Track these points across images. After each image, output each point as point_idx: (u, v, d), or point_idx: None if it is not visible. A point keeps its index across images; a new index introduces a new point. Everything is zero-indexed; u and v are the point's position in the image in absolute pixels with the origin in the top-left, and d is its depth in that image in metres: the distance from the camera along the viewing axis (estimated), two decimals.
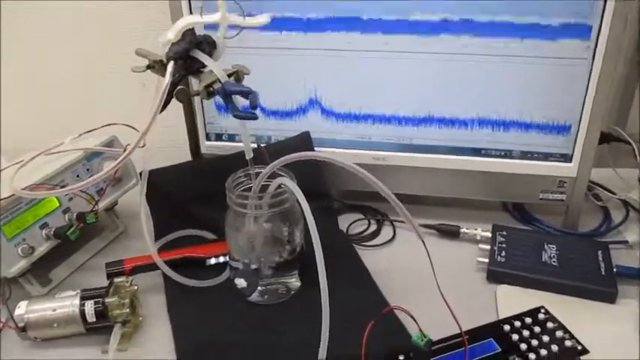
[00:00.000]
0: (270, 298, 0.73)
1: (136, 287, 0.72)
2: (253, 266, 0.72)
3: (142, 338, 0.69)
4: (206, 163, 0.89)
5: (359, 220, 0.93)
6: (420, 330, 0.56)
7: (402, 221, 0.90)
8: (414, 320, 0.56)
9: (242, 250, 0.73)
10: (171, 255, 0.78)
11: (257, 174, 0.69)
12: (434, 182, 0.90)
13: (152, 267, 0.75)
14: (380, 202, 0.94)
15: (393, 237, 0.88)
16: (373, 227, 0.91)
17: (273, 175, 0.69)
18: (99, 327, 0.68)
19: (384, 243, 0.87)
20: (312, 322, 0.61)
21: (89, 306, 0.67)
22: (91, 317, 0.67)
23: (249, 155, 0.69)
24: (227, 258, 0.78)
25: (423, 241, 0.60)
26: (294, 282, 0.74)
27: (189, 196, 0.84)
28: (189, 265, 0.78)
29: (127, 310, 0.68)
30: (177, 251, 0.79)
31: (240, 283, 0.74)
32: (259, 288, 0.73)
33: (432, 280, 0.60)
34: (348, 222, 0.92)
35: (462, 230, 0.86)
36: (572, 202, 0.86)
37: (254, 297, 0.73)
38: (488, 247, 0.81)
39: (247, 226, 0.70)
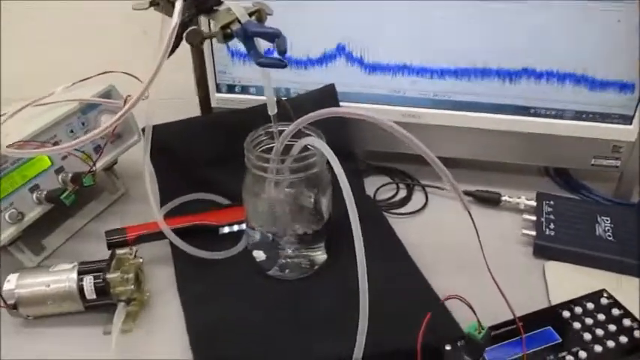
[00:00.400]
0: (291, 272, 0.65)
1: (141, 260, 0.63)
2: (273, 237, 0.64)
3: (148, 317, 0.62)
4: (219, 119, 0.79)
5: (387, 184, 0.84)
6: (478, 320, 0.48)
7: (435, 187, 0.82)
8: (472, 310, 0.48)
9: (261, 218, 0.64)
10: (180, 222, 0.69)
11: (280, 132, 0.60)
12: (472, 144, 0.80)
13: (158, 236, 0.67)
14: (408, 163, 0.85)
15: (425, 204, 0.80)
16: (402, 193, 0.82)
17: (297, 134, 0.59)
18: (100, 305, 0.60)
19: (416, 211, 0.78)
20: (338, 301, 0.53)
21: (88, 281, 0.59)
22: (90, 294, 0.59)
23: (272, 110, 0.59)
24: (243, 226, 0.70)
25: (469, 212, 0.51)
26: (320, 255, 0.66)
27: (199, 155, 0.75)
28: (201, 234, 0.70)
29: (132, 286, 0.60)
30: (187, 218, 0.70)
31: (259, 255, 0.66)
32: (280, 261, 0.64)
33: (472, 254, 0.52)
34: (375, 186, 0.83)
35: (503, 198, 0.77)
36: (627, 168, 0.77)
37: (273, 271, 0.65)
38: (533, 217, 0.73)
39: (268, 192, 0.61)
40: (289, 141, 0.60)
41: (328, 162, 0.53)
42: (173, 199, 0.74)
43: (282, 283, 0.65)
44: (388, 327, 0.52)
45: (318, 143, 0.56)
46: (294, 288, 0.64)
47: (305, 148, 0.60)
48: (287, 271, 0.65)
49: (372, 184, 0.83)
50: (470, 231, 0.50)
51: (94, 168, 0.68)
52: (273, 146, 0.61)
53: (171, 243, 0.67)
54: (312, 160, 0.59)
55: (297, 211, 0.63)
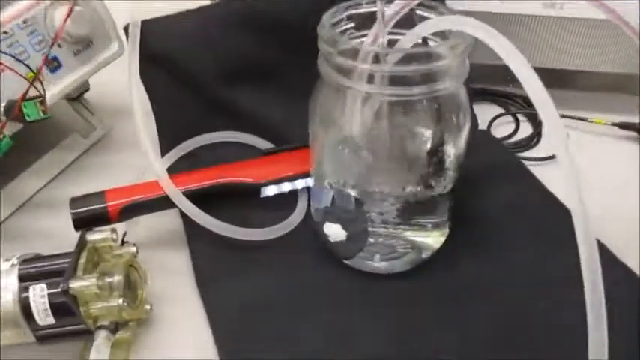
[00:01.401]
0: (387, 262, 0.39)
1: (134, 248, 0.37)
2: (360, 201, 0.37)
3: (151, 346, 0.36)
4: (248, 9, 0.48)
5: (501, 116, 0.56)
6: None
7: (578, 118, 0.54)
8: None
9: (341, 167, 0.37)
10: (196, 181, 0.42)
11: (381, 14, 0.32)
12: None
13: (161, 205, 0.40)
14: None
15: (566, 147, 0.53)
16: (526, 128, 0.55)
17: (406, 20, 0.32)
18: (63, 334, 0.34)
19: (553, 156, 0.51)
20: (458, 322, 0.29)
21: (38, 294, 0.33)
22: (43, 316, 0.33)
23: None
24: (301, 184, 0.43)
25: None
26: (436, 236, 0.39)
27: (220, 69, 0.46)
28: (230, 199, 0.43)
29: (119, 300, 0.33)
30: (206, 173, 0.43)
31: (334, 232, 0.39)
32: (369, 243, 0.38)
33: None
34: (484, 119, 0.55)
35: None
36: None
37: (357, 260, 0.39)
38: None
39: (355, 118, 0.34)
40: (392, 31, 0.33)
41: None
42: (181, 143, 0.47)
43: (371, 279, 0.38)
44: None
45: (467, 25, 0.29)
46: (391, 289, 0.38)
47: (424, 42, 0.33)
48: (378, 259, 0.39)
49: (479, 116, 0.55)
50: None
51: (43, 91, 0.40)
52: (364, 36, 0.33)
53: (183, 216, 0.41)
54: (441, 64, 0.32)
55: (404, 158, 0.36)
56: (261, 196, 0.43)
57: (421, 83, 0.32)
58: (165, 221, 0.43)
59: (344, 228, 0.38)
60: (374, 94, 0.32)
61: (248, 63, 0.45)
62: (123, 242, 0.37)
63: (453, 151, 0.36)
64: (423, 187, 0.36)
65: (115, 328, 0.33)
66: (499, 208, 0.40)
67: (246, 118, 0.47)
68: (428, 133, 0.35)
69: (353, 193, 0.36)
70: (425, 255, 0.39)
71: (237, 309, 0.36)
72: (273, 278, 0.38)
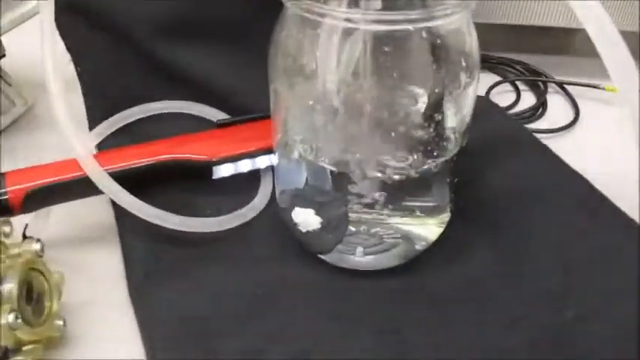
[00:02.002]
0: (370, 258, 0.31)
1: (37, 246, 0.28)
2: (337, 176, 0.28)
3: None
4: None
5: (499, 83, 0.48)
6: None
7: (588, 85, 0.47)
8: None
9: (313, 134, 0.29)
10: (128, 159, 0.33)
11: None
12: None
13: (78, 190, 0.31)
14: (530, 51, 0.50)
15: (577, 117, 0.45)
16: (528, 98, 0.47)
17: None
18: None
19: (562, 128, 0.44)
20: (462, 332, 0.23)
21: None
22: None
23: None
24: (263, 163, 0.35)
25: None
26: (434, 225, 0.31)
27: (159, 21, 0.36)
28: (172, 181, 0.34)
29: (9, 317, 0.24)
30: (140, 149, 0.34)
31: (306, 219, 0.30)
32: (351, 230, 0.30)
33: None
34: (480, 87, 0.47)
35: None
36: None
37: (336, 255, 0.30)
38: None
39: (328, 64, 0.26)
40: None
41: None
42: (113, 113, 0.37)
43: (353, 278, 0.30)
44: None
45: None
46: (378, 289, 0.29)
47: None
48: (361, 252, 0.30)
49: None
50: None
51: None
52: None
53: (114, 206, 0.32)
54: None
55: (394, 118, 0.28)
56: (214, 177, 0.34)
57: (422, 20, 0.24)
58: (91, 212, 0.34)
59: (318, 214, 0.30)
60: (356, 22, 0.23)
61: (196, 14, 0.36)
62: (25, 237, 0.28)
63: (455, 111, 0.28)
64: (417, 158, 0.28)
65: (3, 355, 0.24)
66: (511, 187, 0.32)
67: (195, 84, 0.38)
68: (426, 85, 0.27)
69: (328, 166, 0.28)
70: (419, 247, 0.31)
71: (179, 322, 0.27)
72: (228, 281, 0.29)
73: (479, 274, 0.29)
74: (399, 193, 0.29)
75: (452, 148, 0.28)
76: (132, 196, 0.30)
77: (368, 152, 0.27)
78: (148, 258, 0.31)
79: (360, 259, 0.30)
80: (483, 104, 0.43)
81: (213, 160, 0.33)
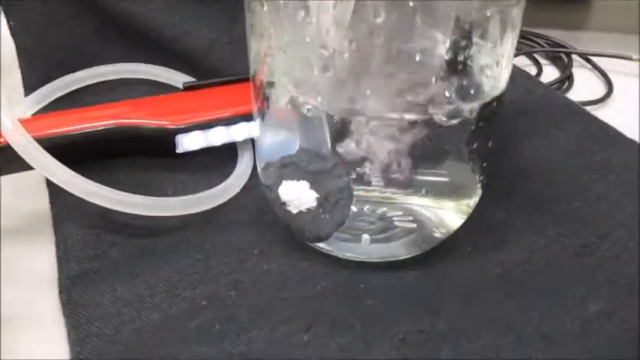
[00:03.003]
0: (378, 246, 0.23)
1: None
2: (336, 140, 0.21)
3: None
4: None
5: (515, 56, 0.42)
6: None
7: (618, 56, 0.41)
8: None
9: (304, 76, 0.21)
10: (66, 125, 0.25)
11: None
12: None
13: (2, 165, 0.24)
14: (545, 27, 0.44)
15: (610, 91, 0.39)
16: (551, 72, 0.41)
17: None
18: None
19: (595, 101, 0.38)
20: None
21: None
22: None
23: None
24: (249, 133, 0.27)
25: None
26: (454, 210, 0.24)
27: None
28: (125, 155, 0.27)
29: None
30: (84, 114, 0.26)
31: (297, 195, 0.22)
32: (353, 210, 0.23)
33: None
34: None
35: None
36: None
37: (335, 243, 0.23)
38: None
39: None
40: None
41: None
42: (53, 78, 0.29)
43: (356, 272, 0.22)
44: None
45: None
46: (386, 287, 0.22)
47: None
48: (367, 240, 0.23)
49: None
50: None
51: None
52: None
53: (49, 186, 0.25)
54: None
55: (409, 56, 0.21)
56: (178, 150, 0.27)
57: None
58: (25, 198, 0.27)
59: (313, 187, 0.23)
60: None
61: None
62: None
63: (501, 58, 0.21)
64: (440, 109, 0.21)
65: None
66: (556, 159, 0.25)
67: (158, 44, 0.31)
68: (449, 14, 0.20)
69: (326, 118, 0.21)
70: (439, 234, 0.24)
71: (117, 339, 0.20)
72: (193, 280, 0.22)
73: (515, 269, 0.22)
74: (414, 161, 0.22)
75: (486, 92, 0.21)
76: (66, 169, 0.23)
77: (375, 101, 0.20)
78: (83, 252, 0.23)
79: (366, 247, 0.23)
80: (516, 73, 0.37)
81: (177, 127, 0.26)
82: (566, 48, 0.42)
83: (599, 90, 0.39)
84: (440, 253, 0.23)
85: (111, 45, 0.31)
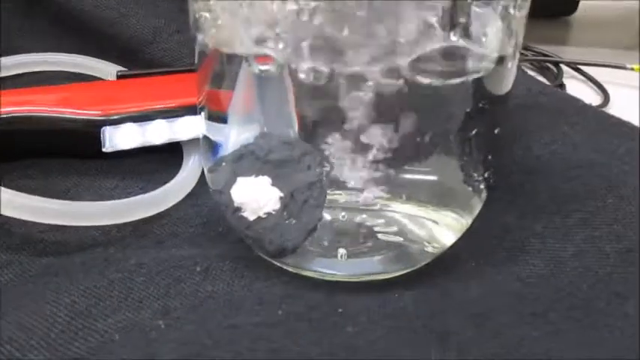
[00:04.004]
0: (356, 261, 0.18)
1: None
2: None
3: None
4: None
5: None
6: None
7: (613, 66, 0.38)
8: None
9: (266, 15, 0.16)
10: None
11: None
12: None
13: None
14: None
15: (606, 100, 0.36)
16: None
17: None
18: None
19: None
20: None
21: None
22: None
23: None
24: (196, 132, 0.22)
25: None
26: (450, 222, 0.18)
27: None
28: (34, 154, 0.21)
29: None
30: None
31: (254, 196, 0.18)
32: (326, 218, 0.18)
33: None
34: None
35: None
36: None
37: (304, 259, 0.18)
38: None
39: None
40: None
41: None
42: None
43: (330, 294, 0.17)
44: None
45: None
46: (367, 312, 0.16)
47: None
48: (344, 255, 0.18)
49: None
50: None
51: None
52: None
53: None
54: None
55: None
56: (105, 148, 0.21)
57: None
58: None
59: (276, 183, 0.18)
60: None
61: None
62: None
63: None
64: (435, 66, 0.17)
65: None
66: (573, 154, 0.21)
67: (89, 32, 0.26)
68: None
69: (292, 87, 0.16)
70: (431, 249, 0.19)
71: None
72: (107, 306, 0.16)
73: (545, 274, 0.17)
74: (402, 145, 0.17)
75: (486, 58, 0.17)
76: None
77: (356, 53, 0.15)
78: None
79: (341, 264, 0.18)
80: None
81: (104, 117, 0.21)
82: (558, 57, 0.38)
83: (594, 100, 0.35)
84: (439, 267, 0.18)
85: (35, 32, 0.25)
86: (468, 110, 0.18)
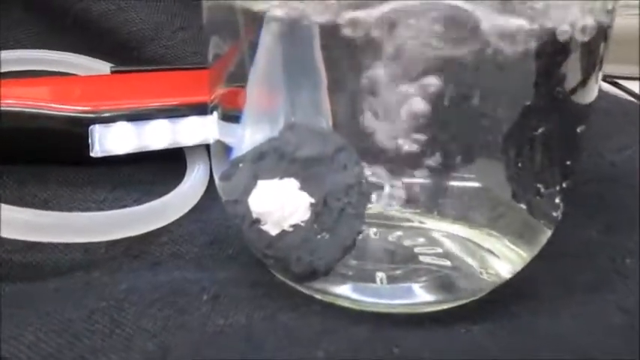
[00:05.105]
0: (396, 287, 0.15)
1: None
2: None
3: None
4: None
5: None
6: None
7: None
8: None
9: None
10: None
11: None
12: None
13: None
14: None
15: None
16: None
17: None
18: None
19: None
20: None
21: None
22: None
23: None
24: (204, 138, 0.18)
25: None
26: (512, 249, 0.14)
27: None
28: (13, 157, 0.18)
29: None
30: None
31: (277, 204, 0.14)
32: (371, 233, 0.14)
33: None
34: None
35: None
36: None
37: (334, 284, 0.14)
38: None
39: None
40: None
41: None
42: None
43: (365, 327, 0.13)
44: None
45: None
46: (409, 350, 0.12)
47: None
48: (383, 279, 0.14)
49: None
50: None
51: None
52: None
53: None
54: None
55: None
56: (94, 152, 0.18)
57: None
58: None
59: (305, 187, 0.14)
60: None
61: None
62: None
63: None
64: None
65: None
66: None
67: (83, 28, 0.23)
68: None
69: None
70: (486, 276, 0.15)
71: None
72: (85, 346, 0.12)
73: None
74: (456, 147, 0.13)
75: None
76: None
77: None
78: None
79: (381, 290, 0.14)
80: None
81: (94, 114, 0.17)
82: None
83: None
84: (509, 292, 0.14)
85: (26, 27, 0.22)
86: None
